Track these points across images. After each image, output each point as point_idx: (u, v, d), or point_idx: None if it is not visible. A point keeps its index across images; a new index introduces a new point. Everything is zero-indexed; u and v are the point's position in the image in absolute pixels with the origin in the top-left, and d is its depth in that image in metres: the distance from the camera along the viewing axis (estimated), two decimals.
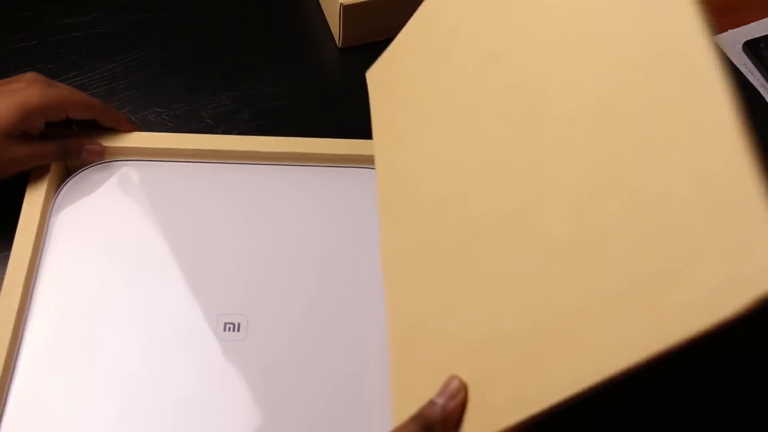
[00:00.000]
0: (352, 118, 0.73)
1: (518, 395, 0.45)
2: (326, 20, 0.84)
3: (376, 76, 0.68)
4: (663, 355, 0.38)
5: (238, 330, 0.61)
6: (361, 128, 0.68)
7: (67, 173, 0.68)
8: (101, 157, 0.67)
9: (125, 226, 0.65)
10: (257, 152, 0.68)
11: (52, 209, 0.65)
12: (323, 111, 0.79)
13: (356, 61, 0.82)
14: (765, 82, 0.83)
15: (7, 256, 0.61)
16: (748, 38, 0.85)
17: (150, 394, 0.58)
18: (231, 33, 0.83)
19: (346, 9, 0.77)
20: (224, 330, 0.61)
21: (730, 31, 0.86)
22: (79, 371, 0.59)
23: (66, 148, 0.65)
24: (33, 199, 0.64)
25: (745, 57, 0.85)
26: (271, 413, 0.58)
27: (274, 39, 0.83)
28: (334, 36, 0.82)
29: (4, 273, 0.61)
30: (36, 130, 0.63)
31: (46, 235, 0.64)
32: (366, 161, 0.68)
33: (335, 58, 0.83)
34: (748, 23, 0.87)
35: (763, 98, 0.82)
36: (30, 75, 0.63)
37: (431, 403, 0.49)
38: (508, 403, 0.46)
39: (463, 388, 0.49)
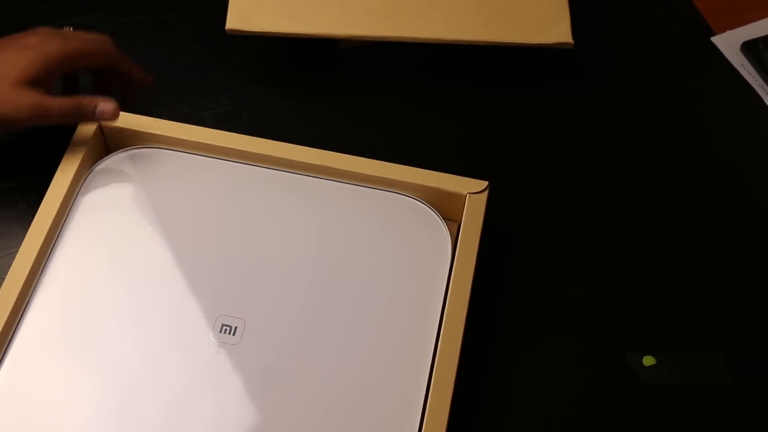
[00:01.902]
0: (352, 117, 0.73)
1: None
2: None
3: None
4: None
5: (234, 333, 0.61)
6: (365, 128, 0.68)
7: (105, 154, 0.69)
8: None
9: (145, 215, 0.66)
10: (290, 160, 0.68)
11: (79, 190, 0.66)
12: (322, 112, 0.79)
13: (356, 62, 0.83)
14: (763, 83, 0.83)
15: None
16: (747, 39, 0.85)
17: (138, 386, 0.59)
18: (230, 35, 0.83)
19: None
20: (220, 331, 0.61)
21: (728, 31, 0.86)
22: (71, 359, 0.60)
23: (78, 104, 0.64)
24: (62, 177, 0.65)
25: (744, 58, 0.85)
26: (256, 419, 0.59)
27: (273, 41, 0.83)
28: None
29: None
30: (50, 83, 0.63)
31: (68, 215, 0.65)
32: (382, 182, 0.68)
33: (335, 58, 0.83)
34: (747, 24, 0.86)
35: (761, 98, 0.83)
36: (43, 29, 0.64)
37: None
38: None
39: None
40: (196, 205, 0.67)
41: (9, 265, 0.62)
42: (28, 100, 0.61)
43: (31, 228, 0.63)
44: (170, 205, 0.67)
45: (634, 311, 0.70)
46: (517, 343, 0.68)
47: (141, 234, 0.65)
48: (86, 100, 0.65)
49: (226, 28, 0.76)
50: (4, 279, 0.61)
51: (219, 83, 0.80)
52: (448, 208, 0.68)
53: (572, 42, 0.76)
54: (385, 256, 0.65)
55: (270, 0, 0.77)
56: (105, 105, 0.65)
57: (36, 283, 0.62)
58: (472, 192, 0.67)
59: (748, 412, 0.66)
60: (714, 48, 0.85)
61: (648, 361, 0.66)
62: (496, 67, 0.83)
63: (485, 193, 0.67)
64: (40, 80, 0.62)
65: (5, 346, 0.60)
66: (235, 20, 0.76)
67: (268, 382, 0.60)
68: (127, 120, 0.68)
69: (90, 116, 0.65)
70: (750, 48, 0.84)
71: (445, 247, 0.65)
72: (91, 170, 0.67)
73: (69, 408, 0.59)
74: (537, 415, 0.65)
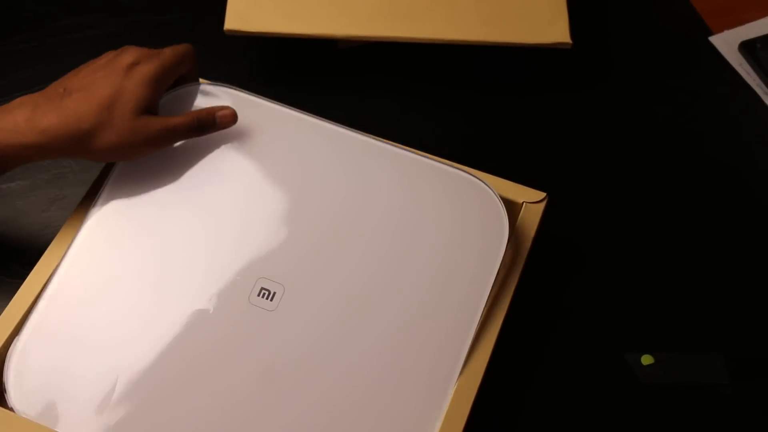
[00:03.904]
0: (351, 117, 0.73)
1: None
2: None
3: None
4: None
5: (271, 299, 0.60)
6: (364, 128, 0.68)
7: None
8: (235, 119, 0.65)
9: (203, 158, 0.64)
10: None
11: None
12: (321, 112, 0.79)
13: (354, 62, 0.83)
14: (761, 82, 0.83)
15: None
16: (745, 39, 0.85)
17: (166, 335, 0.59)
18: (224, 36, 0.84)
19: None
20: (258, 295, 0.60)
21: (726, 31, 0.86)
22: (111, 302, 0.60)
23: (198, 118, 0.63)
24: None
25: (742, 57, 0.85)
26: (281, 389, 0.58)
27: (273, 41, 0.83)
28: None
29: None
30: (156, 106, 0.63)
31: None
32: None
33: (333, 58, 0.83)
34: (745, 24, 0.86)
35: (759, 98, 0.83)
36: (129, 48, 0.62)
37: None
38: None
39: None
40: (251, 157, 0.65)
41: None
42: (155, 125, 0.60)
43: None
44: (230, 150, 0.64)
45: (633, 311, 0.70)
46: (515, 341, 0.68)
47: (190, 182, 0.63)
48: (203, 113, 0.64)
49: (224, 28, 0.76)
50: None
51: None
52: None
53: (570, 42, 0.76)
54: (438, 236, 0.63)
55: (268, 0, 0.77)
56: (224, 113, 0.64)
57: (80, 228, 0.62)
58: (529, 201, 0.66)
59: (746, 412, 0.66)
60: (712, 47, 0.86)
61: (646, 360, 0.67)
62: (495, 67, 0.83)
63: (543, 204, 0.65)
64: (153, 104, 0.61)
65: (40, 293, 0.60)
66: (234, 21, 0.76)
67: (299, 353, 0.59)
68: None
69: (212, 126, 0.64)
70: (748, 48, 0.84)
71: (502, 235, 0.62)
72: None
73: (103, 355, 0.58)
74: (536, 414, 0.65)
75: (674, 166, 0.79)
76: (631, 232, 0.75)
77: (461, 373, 0.59)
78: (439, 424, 0.57)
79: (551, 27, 0.77)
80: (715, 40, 0.86)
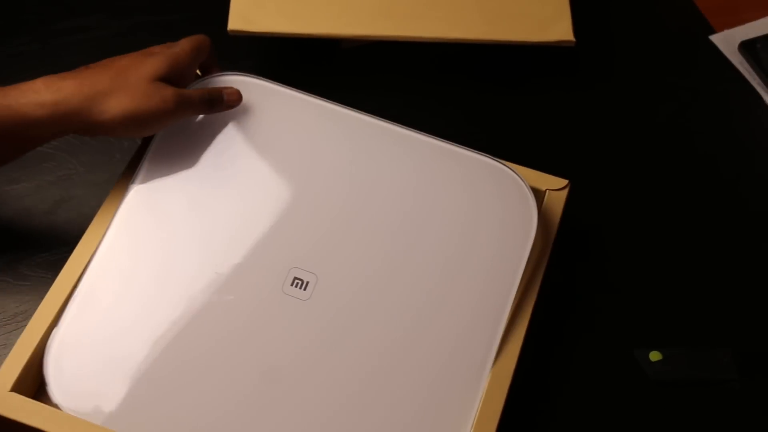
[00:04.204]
0: None
1: None
2: None
3: None
4: None
5: (305, 288, 0.60)
6: None
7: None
8: (240, 99, 0.66)
9: (232, 150, 0.65)
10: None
11: None
12: None
13: (358, 61, 0.83)
14: (761, 82, 0.84)
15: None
16: (745, 38, 0.85)
17: (202, 326, 0.59)
18: (227, 36, 0.83)
19: None
20: (292, 284, 0.60)
21: (726, 31, 0.87)
22: (145, 285, 0.60)
23: (209, 92, 0.65)
24: None
25: (742, 57, 0.85)
26: (315, 378, 0.58)
27: (276, 41, 0.84)
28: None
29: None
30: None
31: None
32: None
33: (336, 58, 0.83)
34: (745, 23, 0.87)
35: (760, 97, 0.83)
36: (152, 47, 0.64)
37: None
38: None
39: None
40: (280, 147, 0.65)
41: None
42: (170, 91, 0.61)
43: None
44: (256, 143, 0.65)
45: (641, 307, 0.70)
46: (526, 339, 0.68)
47: (220, 173, 0.64)
48: (213, 90, 0.65)
49: (228, 28, 0.76)
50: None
51: None
52: None
53: (574, 40, 0.77)
54: (467, 225, 0.63)
55: (271, 0, 0.77)
56: (230, 91, 0.66)
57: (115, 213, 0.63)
58: (552, 189, 0.66)
59: (754, 406, 0.66)
60: (712, 46, 0.86)
61: (655, 356, 0.67)
62: (497, 66, 0.83)
63: (565, 191, 0.66)
64: (172, 79, 0.62)
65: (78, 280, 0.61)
66: (237, 21, 0.76)
67: (334, 340, 0.59)
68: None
69: (220, 104, 0.65)
70: (748, 47, 0.85)
71: (531, 222, 0.63)
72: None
73: (138, 336, 0.59)
74: (544, 410, 0.65)
75: (675, 165, 0.79)
76: (637, 229, 0.75)
77: (495, 361, 0.59)
78: (475, 412, 0.57)
79: (554, 25, 0.77)
80: (715, 39, 0.86)
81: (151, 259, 0.61)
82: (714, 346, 0.68)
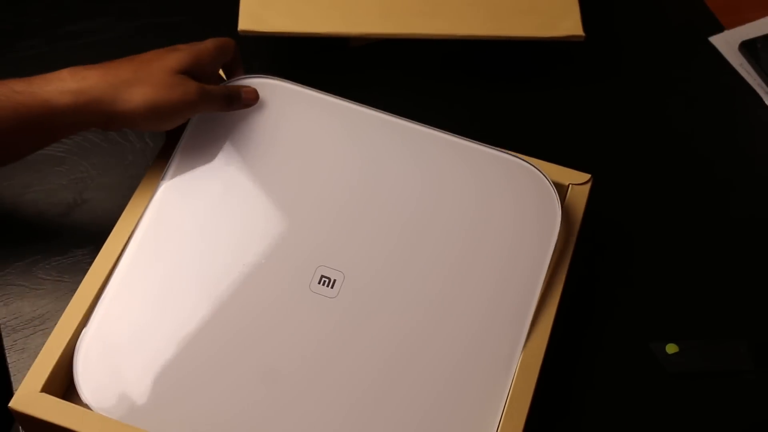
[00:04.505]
0: None
1: None
2: None
3: None
4: None
5: (332, 286, 0.60)
6: None
7: None
8: (257, 99, 0.67)
9: (264, 148, 0.65)
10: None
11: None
12: None
13: (367, 59, 0.83)
14: (762, 82, 0.85)
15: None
16: (745, 38, 0.86)
17: (230, 326, 0.59)
18: (237, 37, 0.84)
19: None
20: (319, 282, 0.60)
21: (726, 31, 0.88)
22: (170, 280, 0.61)
23: (228, 89, 0.66)
24: None
25: (742, 57, 0.86)
26: (343, 376, 0.58)
27: (284, 40, 0.84)
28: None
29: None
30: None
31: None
32: None
33: (345, 56, 0.84)
34: (745, 23, 0.88)
35: (760, 98, 0.84)
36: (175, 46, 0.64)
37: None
38: None
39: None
40: (305, 146, 0.66)
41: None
42: (193, 84, 0.61)
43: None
44: (282, 143, 0.66)
45: (657, 300, 0.71)
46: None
47: (249, 171, 0.65)
48: (232, 87, 0.67)
49: (238, 29, 0.76)
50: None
51: None
52: None
53: (583, 35, 0.77)
54: (491, 221, 0.64)
55: (280, 0, 0.78)
56: (248, 89, 0.67)
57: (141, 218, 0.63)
58: (575, 183, 0.67)
59: None
60: (712, 47, 0.87)
61: (671, 349, 0.68)
62: (506, 62, 0.84)
63: (588, 185, 0.67)
64: (195, 73, 0.62)
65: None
66: (247, 21, 0.76)
67: (363, 337, 0.59)
68: None
69: (238, 101, 0.66)
70: (748, 47, 0.86)
71: (555, 217, 0.64)
72: None
73: (166, 335, 0.59)
74: (560, 404, 0.66)
75: (677, 163, 0.80)
76: (650, 223, 0.76)
77: (522, 354, 0.60)
78: (503, 406, 0.58)
79: (564, 20, 0.78)
80: (715, 39, 0.88)
81: (179, 259, 0.62)
82: (729, 338, 0.69)
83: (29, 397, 0.55)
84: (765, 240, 0.75)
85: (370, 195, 0.64)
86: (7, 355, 0.65)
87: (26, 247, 0.70)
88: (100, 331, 0.59)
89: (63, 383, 0.59)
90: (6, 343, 0.66)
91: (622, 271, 0.73)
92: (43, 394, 0.56)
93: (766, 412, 0.66)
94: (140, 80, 0.59)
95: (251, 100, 0.67)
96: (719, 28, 0.88)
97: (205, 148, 0.65)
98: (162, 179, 0.64)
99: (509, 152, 0.67)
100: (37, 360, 0.57)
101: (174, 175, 0.64)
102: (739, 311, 0.71)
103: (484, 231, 0.64)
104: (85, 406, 0.56)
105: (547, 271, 0.62)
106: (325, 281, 0.61)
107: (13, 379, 0.64)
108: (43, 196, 0.73)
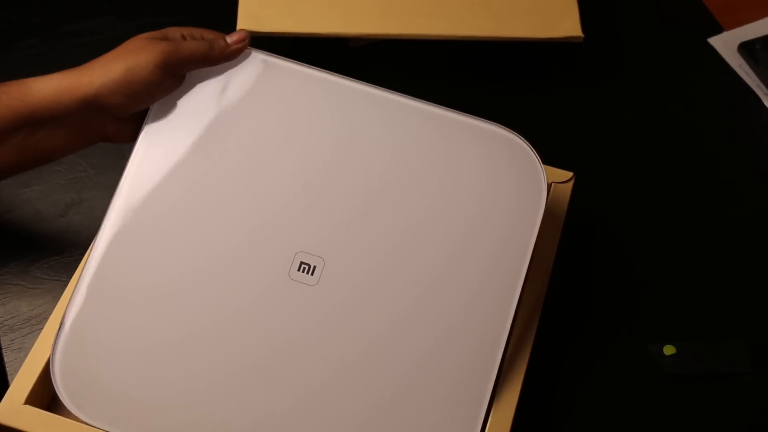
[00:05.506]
0: None
1: None
2: None
3: None
4: None
5: (312, 273, 0.59)
6: None
7: None
8: (247, 40, 0.63)
9: (242, 124, 0.62)
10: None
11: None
12: None
13: (365, 59, 0.83)
14: (761, 83, 0.85)
15: None
16: (744, 40, 0.87)
17: (209, 319, 0.58)
18: None
19: None
20: (299, 269, 0.59)
21: (725, 32, 0.88)
22: (143, 284, 0.58)
23: (207, 39, 0.63)
24: None
25: (741, 58, 0.86)
26: (324, 365, 0.57)
27: (283, 41, 0.84)
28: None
29: None
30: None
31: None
32: None
33: (344, 57, 0.84)
34: (745, 24, 0.88)
35: (759, 99, 0.84)
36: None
37: None
38: None
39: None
40: (282, 123, 0.62)
41: None
42: (160, 45, 0.59)
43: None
44: (253, 120, 0.62)
45: (655, 301, 0.71)
46: (538, 333, 0.69)
47: (219, 154, 0.61)
48: (212, 34, 0.63)
49: (237, 29, 0.76)
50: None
51: None
52: None
53: (582, 35, 0.77)
54: (477, 197, 0.61)
55: (279, 1, 0.78)
56: (233, 34, 0.63)
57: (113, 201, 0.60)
58: (557, 181, 0.66)
59: None
60: (711, 48, 0.87)
61: (669, 350, 0.68)
62: (504, 63, 0.84)
63: (570, 183, 0.66)
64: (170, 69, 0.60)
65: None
66: (246, 21, 0.76)
67: (345, 324, 0.58)
68: None
69: (221, 48, 0.62)
70: (747, 48, 0.86)
71: (539, 193, 0.60)
72: None
73: (140, 336, 0.58)
74: (559, 405, 0.66)
75: (677, 163, 0.80)
76: (648, 224, 0.76)
77: (507, 349, 0.59)
78: (487, 398, 0.57)
79: (562, 21, 0.78)
80: (714, 40, 0.88)
81: (151, 253, 0.59)
82: (727, 339, 0.69)
83: (12, 410, 0.55)
84: (764, 240, 0.75)
85: (349, 175, 0.61)
86: (4, 354, 0.65)
87: (24, 246, 0.70)
88: (75, 335, 0.57)
89: (49, 392, 0.58)
90: (3, 342, 0.66)
91: (622, 272, 0.73)
92: (27, 406, 0.55)
93: (764, 413, 0.66)
94: (116, 55, 0.59)
95: (238, 39, 0.63)
96: (718, 29, 0.88)
97: (170, 134, 0.61)
98: (127, 167, 0.60)
99: (494, 123, 0.63)
100: (20, 371, 0.57)
101: (141, 163, 0.60)
102: (737, 312, 0.71)
103: (469, 207, 0.60)
104: (69, 414, 0.56)
105: (534, 244, 0.59)
106: (305, 268, 0.59)
107: (9, 378, 0.64)
108: (41, 195, 0.73)
